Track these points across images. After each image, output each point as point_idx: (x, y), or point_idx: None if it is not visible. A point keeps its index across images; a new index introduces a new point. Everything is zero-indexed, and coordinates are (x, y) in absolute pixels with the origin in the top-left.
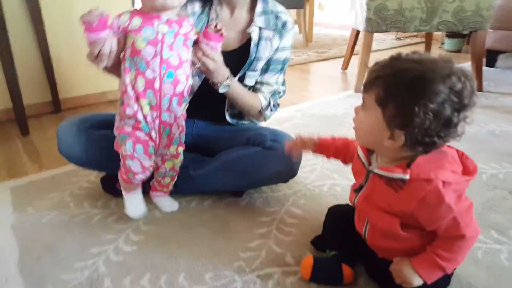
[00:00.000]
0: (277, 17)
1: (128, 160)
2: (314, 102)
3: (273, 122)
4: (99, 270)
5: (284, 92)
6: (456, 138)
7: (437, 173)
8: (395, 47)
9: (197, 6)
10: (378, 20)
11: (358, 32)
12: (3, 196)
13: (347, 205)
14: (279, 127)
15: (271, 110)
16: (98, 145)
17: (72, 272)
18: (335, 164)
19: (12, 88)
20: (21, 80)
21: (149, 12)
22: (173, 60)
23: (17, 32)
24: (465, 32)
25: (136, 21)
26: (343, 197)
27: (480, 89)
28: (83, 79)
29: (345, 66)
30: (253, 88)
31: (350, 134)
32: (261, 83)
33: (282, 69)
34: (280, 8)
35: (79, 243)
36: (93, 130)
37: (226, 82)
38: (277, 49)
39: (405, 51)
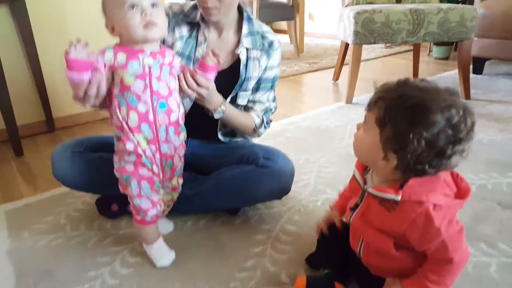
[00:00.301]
0: (263, 37)
1: (136, 199)
2: (306, 115)
3: (266, 136)
4: None
5: (275, 108)
6: (448, 170)
7: (429, 196)
8: (384, 56)
9: (184, 30)
10: (366, 32)
11: (347, 44)
12: None
13: (340, 222)
14: (273, 141)
15: (265, 127)
16: (93, 168)
17: None
18: (328, 178)
19: (4, 109)
20: (13, 100)
21: (131, 46)
22: (163, 90)
23: (8, 52)
24: (452, 41)
25: (121, 56)
26: None
27: (468, 97)
28: None
29: (336, 77)
30: (245, 107)
31: (342, 147)
32: (253, 101)
33: (272, 87)
34: (265, 28)
35: (75, 267)
36: (88, 153)
37: (221, 108)
38: (265, 68)
39: (394, 59)
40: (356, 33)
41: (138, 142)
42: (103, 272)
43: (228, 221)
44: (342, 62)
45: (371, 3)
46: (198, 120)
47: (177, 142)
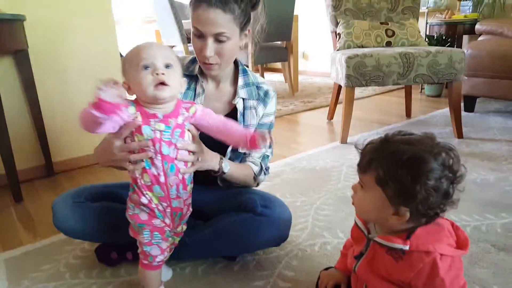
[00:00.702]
0: (258, 88)
1: (146, 246)
2: (302, 155)
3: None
4: None
5: (271, 153)
6: (453, 207)
7: (435, 246)
8: (377, 94)
9: None
10: (358, 76)
11: (340, 85)
12: None
13: (336, 269)
14: (270, 183)
15: (264, 173)
16: (94, 217)
17: None
18: (325, 221)
19: (5, 154)
20: (13, 145)
21: (145, 106)
22: (173, 154)
23: (9, 98)
24: (442, 82)
25: (139, 117)
26: (334, 257)
27: (460, 135)
28: (75, 141)
29: (330, 116)
30: (243, 157)
31: (338, 188)
32: None
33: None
34: (260, 79)
35: None
36: (89, 203)
37: (224, 163)
38: (262, 116)
39: (387, 97)
40: (348, 76)
41: (151, 199)
42: None
43: (227, 267)
44: (336, 102)
45: (362, 46)
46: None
47: (186, 195)
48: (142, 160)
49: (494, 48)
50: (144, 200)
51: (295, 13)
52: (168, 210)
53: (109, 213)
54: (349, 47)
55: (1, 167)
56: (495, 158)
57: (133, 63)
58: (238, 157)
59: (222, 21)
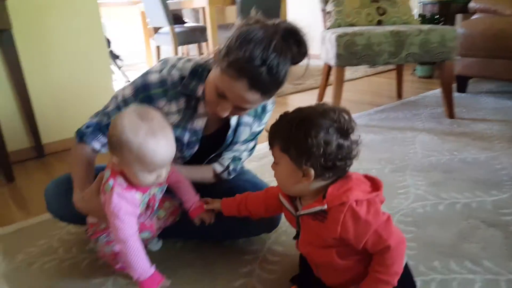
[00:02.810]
0: None
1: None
2: None
3: (252, 158)
4: None
5: (249, 156)
6: (353, 159)
7: (348, 195)
8: (368, 75)
9: (182, 103)
10: (348, 55)
11: (330, 66)
12: None
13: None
14: (258, 163)
15: (229, 174)
16: None
17: None
18: None
19: None
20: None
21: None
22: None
23: None
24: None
25: (138, 197)
26: None
27: (451, 116)
28: (65, 122)
29: (320, 98)
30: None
31: None
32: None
33: (254, 139)
34: None
35: None
36: None
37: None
38: (254, 129)
39: (378, 79)
40: (338, 55)
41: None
42: None
43: (217, 242)
44: (325, 83)
45: (352, 25)
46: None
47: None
48: None
49: (488, 26)
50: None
51: None
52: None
53: None
54: (339, 25)
55: None
56: (486, 137)
57: (142, 164)
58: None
59: (257, 101)
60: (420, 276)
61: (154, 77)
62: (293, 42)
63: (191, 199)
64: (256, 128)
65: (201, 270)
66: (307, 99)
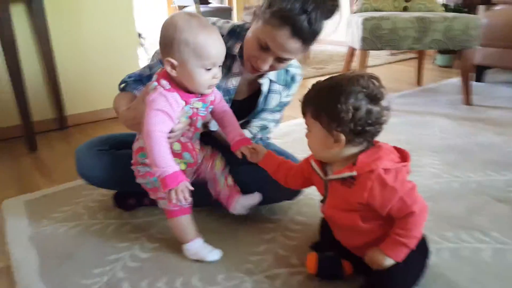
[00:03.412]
0: (287, 71)
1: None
2: None
3: (275, 136)
4: (117, 275)
5: (275, 126)
6: (383, 125)
7: (377, 163)
8: (389, 63)
9: None
10: (373, 39)
11: (354, 49)
12: (17, 210)
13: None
14: (281, 141)
15: (257, 142)
16: (120, 165)
17: (92, 277)
18: None
19: (21, 105)
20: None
21: (184, 90)
22: (201, 125)
23: (22, 45)
24: (456, 49)
25: (180, 100)
26: None
27: (468, 102)
28: (89, 95)
29: None
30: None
31: None
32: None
33: (281, 110)
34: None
35: (96, 251)
36: (114, 150)
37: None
38: (283, 97)
39: (399, 66)
40: (364, 38)
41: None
42: (123, 255)
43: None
44: (348, 67)
45: (379, 10)
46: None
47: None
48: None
49: (510, 17)
50: None
51: None
52: (194, 154)
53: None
54: (366, 10)
55: (15, 119)
56: (501, 123)
57: (197, 56)
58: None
59: (296, 51)
60: (434, 244)
61: None
62: None
63: (235, 130)
64: (284, 98)
65: (226, 236)
66: None
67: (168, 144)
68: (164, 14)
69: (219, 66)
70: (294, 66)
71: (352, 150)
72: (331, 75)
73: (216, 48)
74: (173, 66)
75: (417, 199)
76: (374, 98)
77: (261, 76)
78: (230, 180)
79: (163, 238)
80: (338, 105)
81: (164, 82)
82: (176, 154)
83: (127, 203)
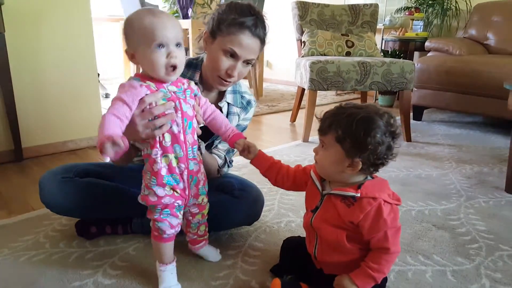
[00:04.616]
0: (242, 97)
1: (157, 223)
2: (268, 150)
3: (232, 169)
4: None
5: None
6: (394, 159)
7: (380, 194)
8: (335, 102)
9: None
10: (320, 80)
11: (303, 89)
12: None
13: (298, 237)
14: (238, 173)
15: (228, 166)
16: (83, 192)
17: None
18: (290, 204)
19: None
20: None
21: (149, 77)
22: (189, 111)
23: None
24: (394, 90)
25: (151, 84)
26: (298, 232)
27: (409, 139)
28: (45, 128)
29: (293, 119)
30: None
31: None
32: (220, 141)
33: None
34: (244, 89)
35: (59, 278)
36: (77, 178)
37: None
38: (242, 119)
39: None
40: (311, 80)
41: (170, 162)
42: (87, 282)
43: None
44: (298, 105)
45: (324, 54)
46: None
47: (198, 157)
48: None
49: (441, 63)
50: (157, 166)
51: None
52: (186, 173)
53: (97, 187)
54: (312, 54)
55: None
56: (438, 158)
57: (145, 38)
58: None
59: (257, 49)
60: None
61: None
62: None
63: (228, 128)
64: (242, 121)
65: (189, 262)
66: (281, 119)
67: (117, 122)
68: (119, 51)
69: (177, 45)
70: (248, 93)
71: (359, 177)
72: (351, 102)
73: (162, 26)
74: (132, 56)
75: (396, 241)
76: (395, 135)
77: (220, 99)
78: (202, 230)
79: (125, 265)
80: (368, 138)
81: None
82: (166, 149)
83: (88, 232)
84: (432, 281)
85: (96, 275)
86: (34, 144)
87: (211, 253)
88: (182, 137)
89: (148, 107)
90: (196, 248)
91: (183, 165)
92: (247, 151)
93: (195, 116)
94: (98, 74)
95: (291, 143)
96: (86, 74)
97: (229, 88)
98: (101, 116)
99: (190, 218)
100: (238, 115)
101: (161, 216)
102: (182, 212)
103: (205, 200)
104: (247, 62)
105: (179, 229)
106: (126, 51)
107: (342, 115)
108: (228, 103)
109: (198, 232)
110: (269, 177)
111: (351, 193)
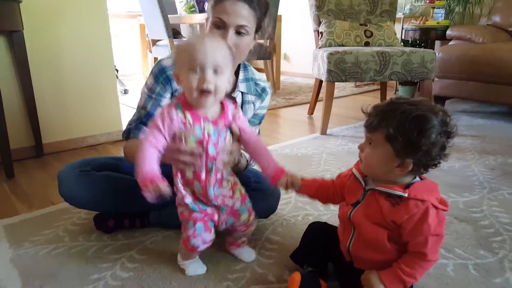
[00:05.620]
0: (256, 84)
1: (191, 239)
2: (285, 144)
3: None
4: None
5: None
6: (446, 159)
7: (429, 197)
8: (354, 94)
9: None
10: (338, 71)
11: (321, 81)
12: None
13: (325, 223)
14: (256, 167)
15: (251, 165)
16: (100, 186)
17: None
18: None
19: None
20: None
21: (191, 103)
22: (215, 153)
23: (2, 76)
24: (415, 81)
25: (189, 117)
26: None
27: None
28: (66, 124)
29: (311, 111)
30: None
31: (318, 172)
32: None
33: (259, 123)
34: (258, 76)
35: (78, 271)
36: (95, 172)
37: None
38: (257, 108)
39: (364, 97)
40: (329, 71)
41: (187, 194)
42: (105, 275)
43: (218, 231)
44: (316, 98)
45: (342, 45)
46: None
47: (223, 191)
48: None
49: (463, 52)
50: (181, 194)
51: (278, 13)
52: (209, 209)
53: (114, 181)
54: (330, 45)
55: None
56: (460, 150)
57: (183, 61)
58: None
59: (247, 14)
60: None
61: (167, 62)
62: None
63: (270, 162)
64: (258, 110)
65: (206, 255)
66: (299, 113)
67: (155, 155)
68: (137, 47)
69: (214, 71)
70: (262, 80)
71: (407, 178)
72: (399, 96)
73: (199, 51)
74: (177, 78)
75: (436, 249)
76: (450, 135)
77: (233, 91)
78: (243, 239)
79: (143, 258)
80: (423, 139)
81: (174, 99)
82: (187, 181)
83: (106, 225)
84: (453, 274)
85: (114, 268)
86: (54, 140)
87: (246, 253)
88: (203, 176)
89: (178, 141)
90: (231, 249)
91: (203, 199)
92: (291, 187)
93: (231, 150)
94: (117, 70)
95: (309, 136)
96: (104, 70)
97: (241, 77)
98: (119, 112)
99: (234, 231)
100: (254, 103)
101: (195, 232)
102: (213, 229)
103: (251, 218)
104: (238, 31)
105: (211, 244)
106: (175, 74)
107: (394, 111)
108: (242, 92)
109: (238, 241)
110: (319, 200)
111: (399, 192)
